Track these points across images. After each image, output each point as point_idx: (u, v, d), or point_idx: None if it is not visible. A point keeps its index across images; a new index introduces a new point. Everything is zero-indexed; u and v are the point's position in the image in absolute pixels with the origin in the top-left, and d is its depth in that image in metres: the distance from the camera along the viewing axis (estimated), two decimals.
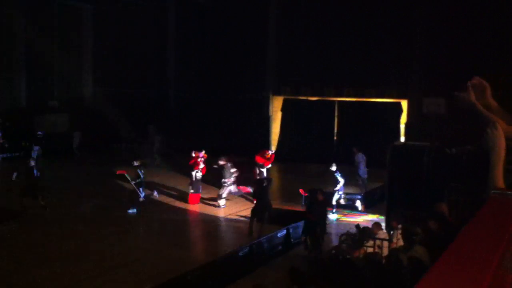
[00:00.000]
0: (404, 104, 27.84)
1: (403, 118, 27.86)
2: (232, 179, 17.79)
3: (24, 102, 29.36)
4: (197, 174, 17.71)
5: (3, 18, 28.50)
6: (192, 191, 17.77)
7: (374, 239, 12.42)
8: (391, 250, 11.12)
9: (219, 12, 31.83)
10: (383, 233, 12.80)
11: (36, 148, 26.92)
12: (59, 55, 30.94)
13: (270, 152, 19.20)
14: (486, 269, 2.50)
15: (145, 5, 33.36)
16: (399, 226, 12.87)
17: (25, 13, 28.93)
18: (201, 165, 17.73)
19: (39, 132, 27.36)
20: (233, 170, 17.82)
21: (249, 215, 15.03)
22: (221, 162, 18.03)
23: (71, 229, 14.68)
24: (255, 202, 15.40)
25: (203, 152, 17.91)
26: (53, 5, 30.31)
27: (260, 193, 15.03)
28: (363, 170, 19.90)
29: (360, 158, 20.02)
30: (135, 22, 33.35)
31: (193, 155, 17.75)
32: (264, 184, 15.37)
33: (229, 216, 16.59)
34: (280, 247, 13.86)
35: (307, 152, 27.12)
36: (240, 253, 12.55)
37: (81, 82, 32.48)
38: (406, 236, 8.69)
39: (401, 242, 12.36)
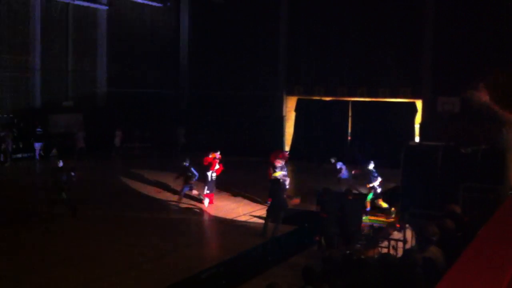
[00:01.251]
0: (419, 103, 27.73)
1: (418, 118, 27.74)
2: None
3: (39, 102, 29.58)
4: (212, 174, 17.77)
5: (19, 18, 28.75)
6: (207, 191, 17.83)
7: (389, 239, 12.38)
8: (406, 251, 11.10)
9: (232, 11, 31.88)
10: (398, 234, 12.76)
11: (37, 145, 27.19)
12: (73, 55, 31.18)
13: (285, 152, 19.11)
14: (505, 268, 2.50)
15: (159, 5, 33.50)
16: (407, 225, 12.87)
17: (42, 13, 29.18)
18: (216, 166, 17.80)
19: (38, 129, 27.48)
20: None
21: (263, 215, 15.08)
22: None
23: (89, 229, 14.89)
24: (269, 202, 15.44)
25: (219, 152, 17.97)
26: (68, 6, 30.55)
27: (274, 192, 15.05)
28: (345, 175, 19.96)
29: (340, 165, 20.10)
30: (149, 22, 33.54)
31: (210, 155, 17.84)
32: (278, 184, 15.38)
33: (243, 216, 16.61)
34: (294, 247, 13.86)
35: (321, 152, 27.04)
36: (255, 253, 12.59)
37: (95, 82, 32.68)
38: (422, 236, 8.65)
39: (410, 242, 12.38)
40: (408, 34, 27.50)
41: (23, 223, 15.38)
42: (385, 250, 11.99)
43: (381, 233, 13.24)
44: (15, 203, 17.54)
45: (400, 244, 12.10)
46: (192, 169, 17.40)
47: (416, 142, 25.26)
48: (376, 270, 10.86)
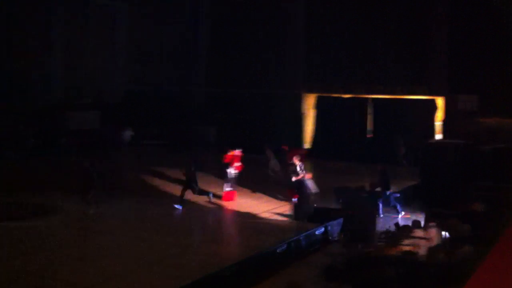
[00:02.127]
0: (439, 101, 27.66)
1: (438, 116, 27.64)
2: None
3: (59, 99, 30.02)
4: (233, 171, 17.91)
5: (40, 15, 29.17)
6: (227, 188, 17.97)
7: (412, 237, 12.49)
8: (430, 248, 11.21)
9: (250, 8, 31.96)
10: (421, 232, 12.86)
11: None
12: (93, 52, 31.56)
13: (302, 151, 19.14)
14: None
15: (177, 2, 33.71)
16: (431, 224, 12.95)
17: (62, 11, 29.62)
18: (237, 163, 18.00)
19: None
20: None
21: (285, 212, 15.28)
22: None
23: (110, 225, 15.03)
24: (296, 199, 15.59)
25: (239, 150, 18.16)
26: (88, 3, 30.98)
27: (302, 190, 15.29)
28: (273, 163, 20.19)
29: (269, 153, 20.43)
30: (167, 19, 33.74)
31: (230, 153, 18.02)
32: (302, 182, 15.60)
33: (264, 213, 16.73)
34: (317, 245, 14.00)
35: (340, 150, 27.06)
36: (278, 250, 12.73)
37: (114, 79, 33.01)
38: (453, 234, 8.76)
39: (435, 240, 12.46)
40: (427, 30, 27.42)
41: (48, 216, 15.66)
42: (408, 248, 12.08)
43: (404, 231, 13.34)
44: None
45: (423, 242, 12.18)
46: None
47: (435, 140, 25.28)
48: (398, 268, 11.02)
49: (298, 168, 16.90)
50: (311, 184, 16.58)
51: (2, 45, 27.89)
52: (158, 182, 20.98)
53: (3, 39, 27.88)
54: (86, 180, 16.13)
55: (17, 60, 28.34)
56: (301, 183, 15.53)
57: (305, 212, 14.67)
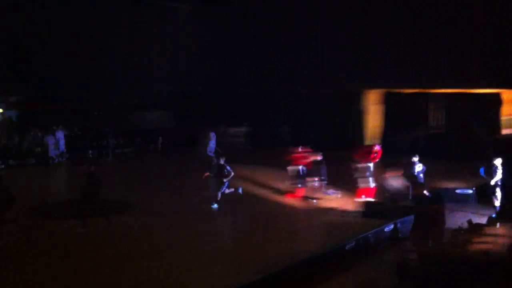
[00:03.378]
0: (505, 94, 26.83)
1: (505, 110, 26.80)
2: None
3: (131, 99, 30.88)
4: (302, 168, 18.01)
5: (105, 17, 30.03)
6: (298, 185, 18.06)
7: (487, 235, 12.15)
8: (506, 246, 10.87)
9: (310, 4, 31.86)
10: (495, 229, 12.49)
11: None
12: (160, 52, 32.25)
13: (375, 148, 18.75)
14: None
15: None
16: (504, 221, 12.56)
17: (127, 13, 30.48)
18: (304, 160, 17.98)
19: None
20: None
21: (356, 209, 15.45)
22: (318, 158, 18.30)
23: (170, 222, 15.46)
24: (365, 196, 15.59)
25: (306, 147, 18.17)
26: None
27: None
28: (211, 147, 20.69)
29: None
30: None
31: (298, 150, 18.06)
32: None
33: (331, 211, 16.62)
34: (386, 242, 13.78)
35: (405, 146, 26.57)
36: (347, 247, 12.59)
37: (184, 80, 33.62)
38: None
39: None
40: (494, 23, 26.64)
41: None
42: (482, 246, 11.74)
43: (477, 228, 12.99)
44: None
45: (499, 240, 11.81)
46: (228, 167, 16.86)
47: (504, 135, 24.56)
48: (471, 266, 10.73)
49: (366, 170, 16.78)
50: (396, 181, 16.45)
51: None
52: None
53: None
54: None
55: (90, 61, 29.37)
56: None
57: (376, 209, 14.48)
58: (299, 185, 18.12)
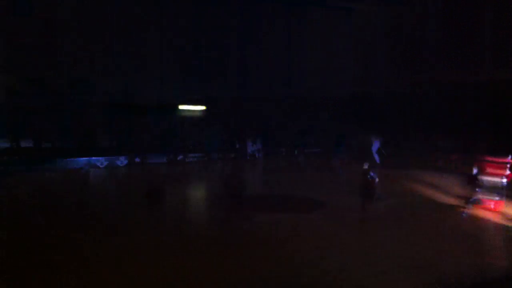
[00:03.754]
0: None
1: None
2: None
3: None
4: (503, 180, 16.80)
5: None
6: (497, 198, 16.85)
7: None
8: None
9: None
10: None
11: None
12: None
13: None
14: None
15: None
16: None
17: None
18: (508, 171, 16.73)
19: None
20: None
21: None
22: None
23: (373, 223, 15.66)
24: None
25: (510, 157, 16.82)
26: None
27: None
28: None
29: None
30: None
31: (482, 159, 17.05)
32: None
33: None
34: None
35: None
36: None
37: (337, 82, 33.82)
38: None
39: None
40: None
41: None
42: None
43: None
44: None
45: None
46: (372, 173, 16.54)
47: None
48: None
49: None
50: None
51: None
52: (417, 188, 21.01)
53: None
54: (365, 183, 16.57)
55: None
56: None
57: None
58: (497, 198, 16.79)
